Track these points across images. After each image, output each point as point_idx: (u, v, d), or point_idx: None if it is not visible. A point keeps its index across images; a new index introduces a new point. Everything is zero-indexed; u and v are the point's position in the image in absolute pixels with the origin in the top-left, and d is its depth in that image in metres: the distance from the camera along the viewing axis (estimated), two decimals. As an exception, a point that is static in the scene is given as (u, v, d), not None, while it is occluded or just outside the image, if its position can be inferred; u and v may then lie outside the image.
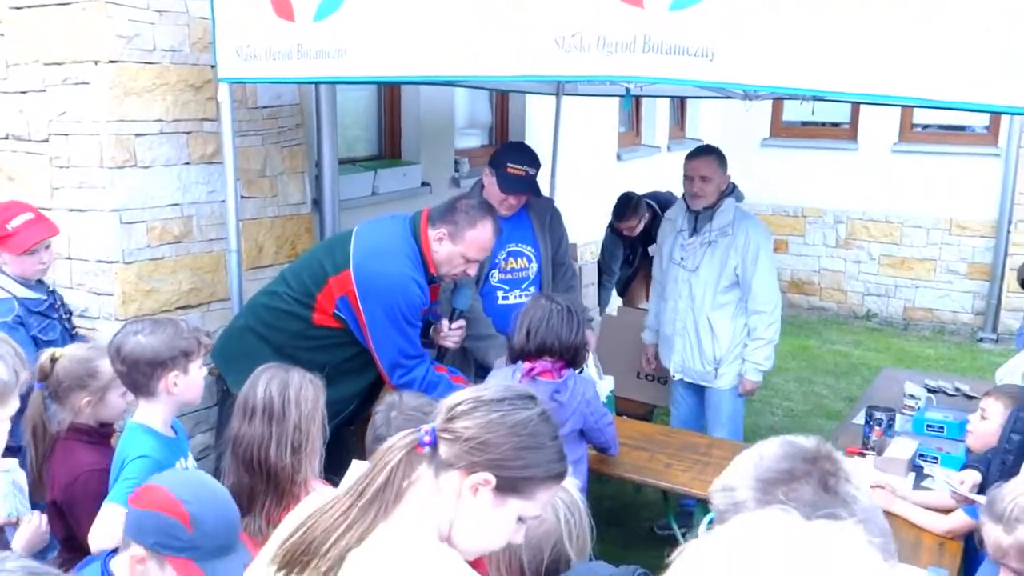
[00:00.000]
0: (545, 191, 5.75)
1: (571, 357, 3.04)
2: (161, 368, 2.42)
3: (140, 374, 2.42)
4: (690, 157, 4.25)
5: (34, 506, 2.55)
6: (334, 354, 3.25)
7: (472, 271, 3.33)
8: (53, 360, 2.58)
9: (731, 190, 4.19)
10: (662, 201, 5.94)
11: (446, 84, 4.98)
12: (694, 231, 4.21)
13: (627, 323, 5.36)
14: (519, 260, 4.07)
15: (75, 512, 2.46)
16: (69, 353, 2.63)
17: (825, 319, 9.21)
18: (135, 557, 1.79)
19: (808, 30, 2.36)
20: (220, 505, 1.87)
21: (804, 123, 9.36)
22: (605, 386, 3.82)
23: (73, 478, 2.50)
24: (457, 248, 3.22)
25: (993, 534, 2.08)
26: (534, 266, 4.09)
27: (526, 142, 6.41)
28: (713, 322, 4.17)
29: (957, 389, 4.44)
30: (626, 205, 5.89)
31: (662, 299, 4.45)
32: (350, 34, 3.10)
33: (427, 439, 1.47)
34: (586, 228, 7.25)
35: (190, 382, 2.49)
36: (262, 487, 2.31)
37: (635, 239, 6.03)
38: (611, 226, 6.09)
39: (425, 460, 1.49)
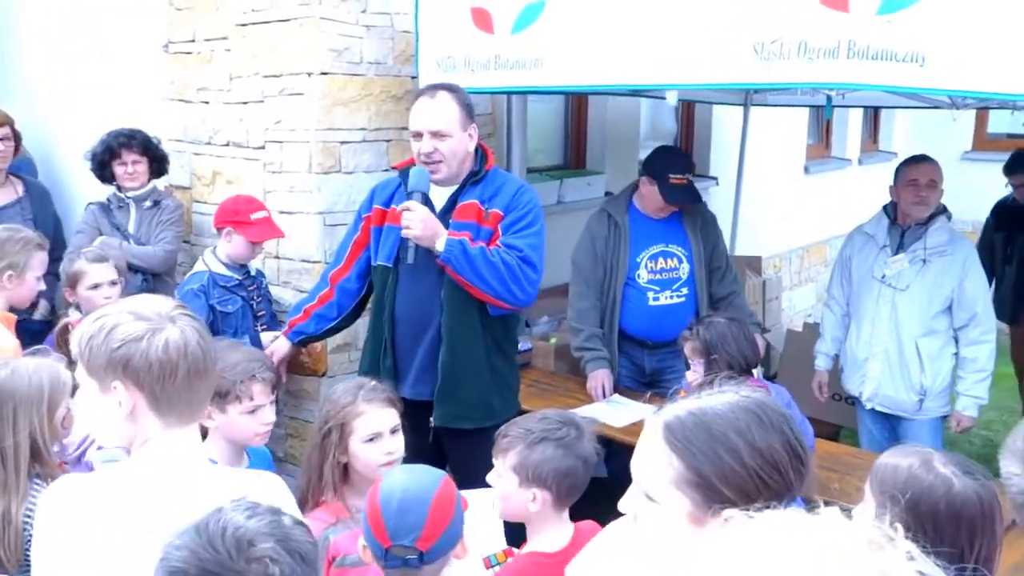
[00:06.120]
0: (730, 204, 5.69)
1: None
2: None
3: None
4: (914, 162, 3.94)
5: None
6: None
7: (424, 145, 3.07)
8: None
9: (943, 208, 3.90)
10: None
11: (633, 94, 5.00)
12: (899, 248, 3.91)
13: (813, 340, 5.18)
14: (669, 260, 4.07)
15: None
16: None
17: (1030, 346, 8.56)
18: None
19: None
20: None
21: (1010, 135, 8.77)
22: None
23: None
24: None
25: None
26: (685, 267, 4.08)
27: (712, 153, 6.37)
28: (922, 348, 3.84)
29: None
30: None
31: (853, 319, 4.11)
32: (546, 44, 3.18)
33: None
34: (772, 242, 7.08)
35: (227, 422, 2.51)
36: None
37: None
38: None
39: None
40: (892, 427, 4.06)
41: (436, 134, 3.06)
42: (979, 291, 3.81)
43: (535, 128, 5.31)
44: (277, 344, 3.43)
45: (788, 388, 3.95)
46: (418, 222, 2.93)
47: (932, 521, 1.74)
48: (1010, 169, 5.25)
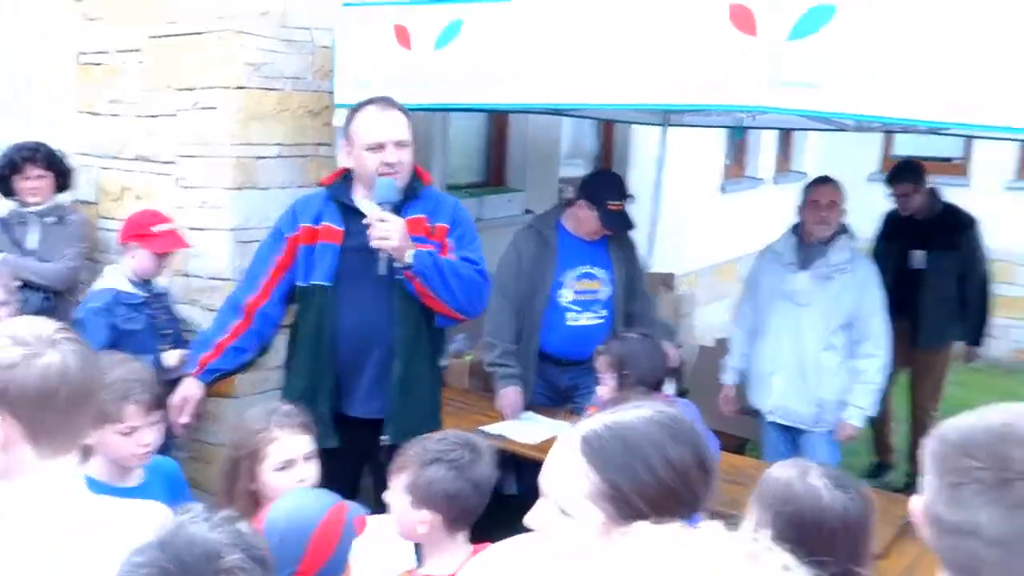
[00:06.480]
0: (647, 221, 5.76)
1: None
2: None
3: None
4: (816, 184, 4.10)
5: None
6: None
7: (389, 156, 3.02)
8: None
9: (845, 227, 4.05)
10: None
11: (554, 113, 5.04)
12: (803, 265, 4.04)
13: (724, 356, 5.28)
14: (592, 282, 4.13)
15: None
16: None
17: (931, 359, 8.86)
18: None
19: (932, 60, 2.32)
20: None
21: (913, 158, 9.12)
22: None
23: None
24: (355, 148, 3.07)
25: None
26: (606, 289, 4.14)
27: (631, 172, 6.45)
28: (822, 362, 3.97)
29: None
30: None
31: (759, 334, 4.21)
32: (466, 62, 3.18)
33: None
34: (688, 259, 7.21)
35: (103, 441, 2.32)
36: None
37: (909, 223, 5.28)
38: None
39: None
40: (793, 439, 4.16)
41: (400, 144, 3.04)
42: (875, 307, 3.94)
43: (456, 145, 5.32)
44: (188, 389, 3.14)
45: (698, 402, 3.99)
46: (396, 233, 2.88)
47: (797, 530, 1.77)
48: (892, 179, 5.37)
